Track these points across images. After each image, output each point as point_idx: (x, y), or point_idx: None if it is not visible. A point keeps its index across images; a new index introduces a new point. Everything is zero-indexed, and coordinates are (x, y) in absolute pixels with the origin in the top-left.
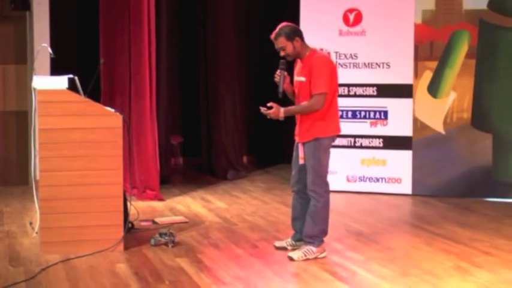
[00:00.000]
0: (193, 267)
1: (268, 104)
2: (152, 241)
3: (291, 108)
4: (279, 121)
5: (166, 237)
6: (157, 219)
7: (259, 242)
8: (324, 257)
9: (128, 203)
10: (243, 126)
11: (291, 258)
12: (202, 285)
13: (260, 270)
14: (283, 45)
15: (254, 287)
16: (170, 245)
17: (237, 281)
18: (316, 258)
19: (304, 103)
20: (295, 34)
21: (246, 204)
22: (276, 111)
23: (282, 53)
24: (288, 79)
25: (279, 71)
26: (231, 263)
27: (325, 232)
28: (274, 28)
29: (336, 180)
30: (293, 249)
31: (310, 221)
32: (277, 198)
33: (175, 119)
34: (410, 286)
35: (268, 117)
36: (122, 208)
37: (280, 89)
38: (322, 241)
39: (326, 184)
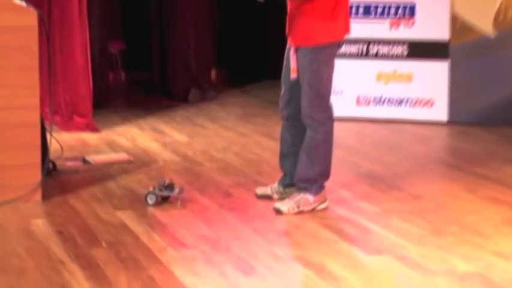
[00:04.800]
0: (142, 224)
1: None
2: (150, 199)
3: None
4: (259, 21)
5: (173, 192)
6: (89, 158)
7: (234, 189)
8: (324, 209)
9: (48, 135)
10: (211, 29)
11: (279, 211)
12: (154, 249)
13: (235, 227)
14: None
15: (226, 251)
16: (178, 202)
17: (203, 243)
18: (313, 210)
19: None
20: None
21: (215, 136)
22: None
23: None
24: None
25: None
26: (195, 218)
27: (326, 174)
28: None
29: (342, 103)
30: (281, 199)
31: (305, 159)
32: (259, 129)
33: (115, 19)
34: (445, 248)
35: None
36: (38, 142)
37: None
38: (322, 187)
39: (328, 108)
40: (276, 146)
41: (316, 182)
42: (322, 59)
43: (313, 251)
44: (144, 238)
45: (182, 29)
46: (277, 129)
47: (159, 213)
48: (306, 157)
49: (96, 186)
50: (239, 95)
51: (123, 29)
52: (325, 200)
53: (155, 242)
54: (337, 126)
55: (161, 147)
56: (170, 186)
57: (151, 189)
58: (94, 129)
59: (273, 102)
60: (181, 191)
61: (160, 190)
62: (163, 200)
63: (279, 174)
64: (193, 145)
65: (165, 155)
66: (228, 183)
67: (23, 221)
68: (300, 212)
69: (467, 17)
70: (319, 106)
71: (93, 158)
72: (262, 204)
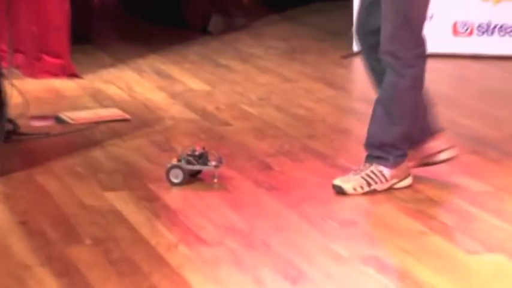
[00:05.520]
0: (142, 211)
1: None
2: (174, 177)
3: None
4: None
5: (208, 164)
6: (65, 115)
7: (275, 158)
8: (407, 188)
9: (5, 83)
10: None
11: (341, 190)
12: (159, 246)
13: (276, 214)
14: None
15: (264, 248)
16: (215, 180)
17: (230, 237)
18: (390, 189)
19: None
20: None
21: (246, 82)
22: None
23: None
24: None
25: None
26: (219, 201)
27: (411, 138)
28: None
29: (433, 32)
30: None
31: (382, 115)
32: (311, 71)
33: None
34: None
35: None
36: None
37: None
38: (404, 156)
39: (420, 43)
40: (337, 95)
41: (396, 148)
42: None
43: (390, 249)
44: (145, 231)
45: None
46: (337, 71)
47: (167, 195)
48: (383, 112)
49: (76, 157)
50: (281, 23)
51: None
52: (407, 175)
53: (161, 236)
54: (427, 67)
55: (169, 99)
56: (203, 157)
57: (175, 161)
58: (73, 74)
59: (331, 32)
60: (219, 162)
61: (189, 163)
62: (191, 177)
63: (340, 137)
64: (215, 95)
65: (175, 110)
66: (267, 150)
67: None
68: (372, 192)
69: None
70: (407, 39)
71: (72, 116)
72: (315, 180)
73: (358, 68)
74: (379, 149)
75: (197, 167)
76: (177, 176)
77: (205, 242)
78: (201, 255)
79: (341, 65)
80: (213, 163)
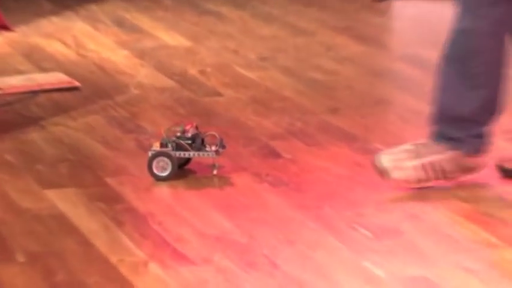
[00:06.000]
0: (97, 217)
1: None
2: (160, 169)
3: None
4: None
5: (205, 149)
6: None
7: (284, 142)
8: (473, 183)
9: None
10: None
11: (384, 173)
12: (122, 265)
13: (286, 220)
14: None
15: (270, 268)
16: (214, 171)
17: (221, 252)
18: (454, 178)
19: None
20: None
21: (242, 36)
22: None
23: None
24: None
25: None
26: (205, 202)
27: (491, 108)
28: None
29: None
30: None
31: (455, 77)
32: (333, 19)
33: None
34: None
35: None
36: None
37: None
38: (480, 137)
39: None
40: (369, 53)
41: (476, 123)
42: None
43: (446, 267)
44: (101, 244)
45: None
46: (369, 19)
47: (133, 194)
48: (456, 72)
49: (6, 141)
50: None
51: None
52: (478, 165)
53: (125, 251)
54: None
55: (135, 60)
56: (198, 140)
57: (158, 146)
58: (3, 27)
59: None
60: (221, 147)
61: (179, 147)
62: (178, 169)
63: (375, 110)
64: (199, 54)
65: (143, 74)
66: (271, 130)
67: None
68: (427, 181)
69: None
70: None
71: (4, 84)
72: (340, 171)
73: (399, 14)
74: (451, 124)
75: (191, 154)
76: (164, 168)
77: (187, 259)
78: (181, 278)
79: (374, 11)
80: (213, 148)
